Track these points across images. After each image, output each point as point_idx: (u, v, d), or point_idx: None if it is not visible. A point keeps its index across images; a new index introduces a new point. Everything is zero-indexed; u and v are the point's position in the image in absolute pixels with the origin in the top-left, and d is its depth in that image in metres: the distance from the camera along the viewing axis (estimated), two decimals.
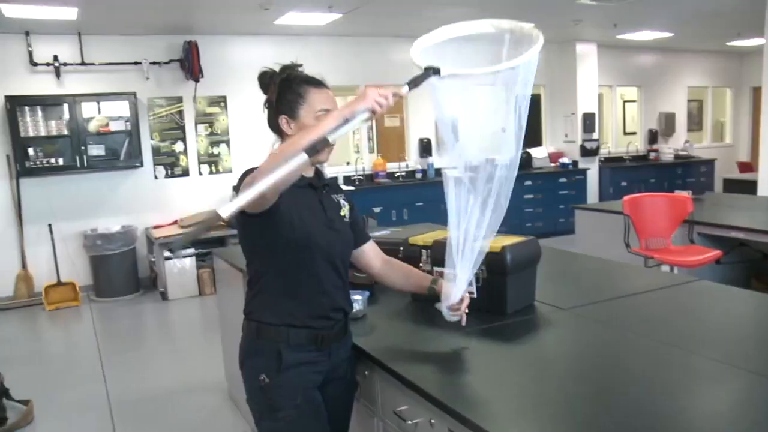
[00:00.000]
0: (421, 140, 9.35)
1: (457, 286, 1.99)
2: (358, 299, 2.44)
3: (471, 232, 1.93)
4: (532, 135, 10.79)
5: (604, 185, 10.45)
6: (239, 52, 7.99)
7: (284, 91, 1.97)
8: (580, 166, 10.17)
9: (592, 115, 10.18)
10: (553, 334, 2.30)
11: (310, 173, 2.05)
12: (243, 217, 1.86)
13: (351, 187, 8.47)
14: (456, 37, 1.96)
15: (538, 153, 10.09)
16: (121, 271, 7.31)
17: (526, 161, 9.88)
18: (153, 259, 7.46)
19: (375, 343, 2.17)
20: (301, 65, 2.03)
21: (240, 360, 2.03)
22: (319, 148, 1.55)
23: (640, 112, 11.60)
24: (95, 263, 7.27)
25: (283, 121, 1.98)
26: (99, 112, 7.29)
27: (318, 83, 2.01)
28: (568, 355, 2.11)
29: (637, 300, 2.62)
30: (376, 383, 2.10)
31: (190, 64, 7.58)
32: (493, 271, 2.38)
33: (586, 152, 10.18)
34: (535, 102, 10.67)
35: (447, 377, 1.93)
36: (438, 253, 2.53)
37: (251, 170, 1.79)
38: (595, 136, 10.29)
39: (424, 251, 2.62)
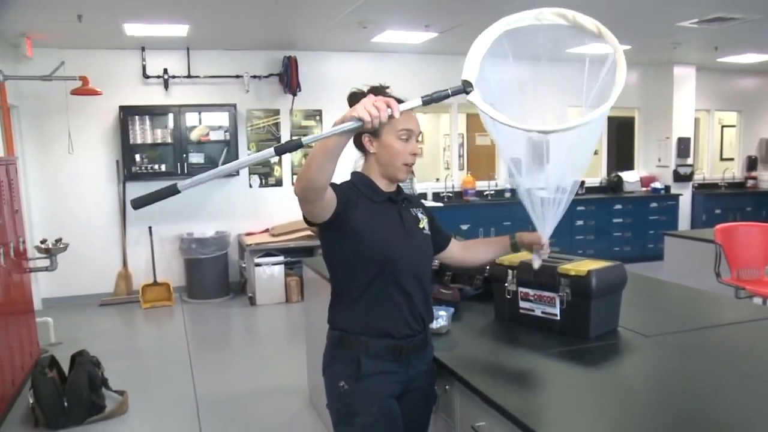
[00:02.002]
0: (511, 159, 9.30)
1: (546, 230, 2.17)
2: (442, 315, 2.51)
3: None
4: (625, 158, 10.57)
5: (696, 212, 10.11)
6: (336, 68, 8.22)
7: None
8: (673, 191, 9.88)
9: (688, 139, 9.88)
10: (635, 361, 2.30)
11: (391, 188, 2.15)
12: (321, 229, 2.00)
13: (439, 204, 8.56)
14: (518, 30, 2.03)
15: (629, 177, 9.88)
16: (213, 274, 7.64)
17: (616, 184, 9.70)
18: (243, 265, 7.75)
19: (457, 358, 2.24)
20: (388, 87, 2.11)
21: (323, 367, 2.14)
22: (289, 149, 1.60)
23: (739, 137, 11.15)
24: (189, 266, 7.63)
25: (365, 139, 2.08)
26: (200, 122, 7.69)
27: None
28: (648, 383, 2.11)
29: (725, 331, 2.58)
30: (456, 397, 2.16)
31: (288, 78, 7.87)
32: (578, 294, 2.40)
33: (679, 177, 9.89)
34: (628, 125, 10.46)
35: (525, 396, 1.97)
36: (524, 274, 2.58)
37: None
38: (690, 161, 9.98)
39: (510, 271, 2.66)
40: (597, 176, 10.02)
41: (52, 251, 5.59)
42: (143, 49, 7.47)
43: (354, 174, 2.16)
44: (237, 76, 7.86)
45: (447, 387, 2.21)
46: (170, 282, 7.60)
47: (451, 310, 2.60)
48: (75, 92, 6.32)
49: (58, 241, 5.66)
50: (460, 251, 2.45)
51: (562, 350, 2.30)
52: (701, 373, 2.12)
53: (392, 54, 8.36)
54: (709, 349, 2.36)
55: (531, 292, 2.55)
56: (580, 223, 8.95)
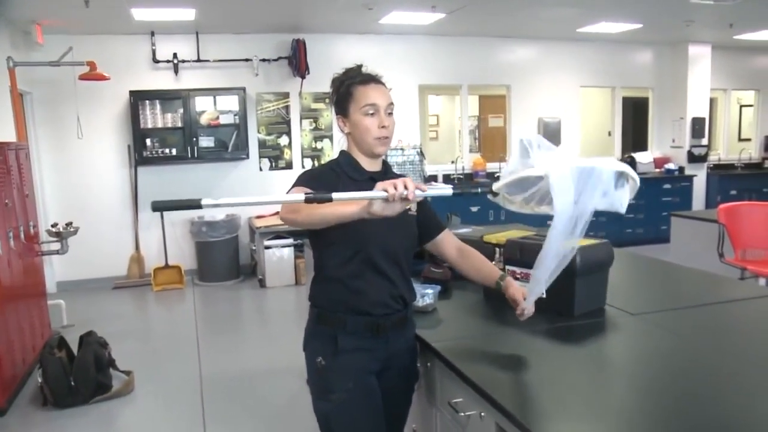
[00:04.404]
0: (521, 141, 9.24)
1: (533, 292, 2.04)
2: (428, 293, 2.53)
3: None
4: (638, 139, 10.47)
5: (711, 193, 9.99)
6: (345, 51, 8.21)
7: (336, 91, 2.11)
8: (687, 172, 9.78)
9: (702, 119, 9.75)
10: (620, 340, 2.30)
11: (375, 167, 2.15)
12: None
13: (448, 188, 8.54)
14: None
15: (642, 158, 9.78)
16: (224, 257, 7.71)
17: (630, 165, 9.55)
18: (254, 248, 7.82)
19: (439, 336, 2.26)
20: (362, 66, 2.14)
21: (303, 343, 2.18)
22: (318, 200, 1.65)
23: (757, 117, 10.99)
24: (200, 249, 7.71)
25: (339, 121, 2.12)
26: (212, 106, 7.73)
27: (365, 80, 2.08)
28: (631, 362, 2.10)
29: (718, 310, 2.56)
30: (436, 374, 2.18)
31: (297, 62, 7.88)
32: (563, 272, 2.40)
33: (693, 158, 9.78)
34: (642, 105, 10.35)
35: (505, 374, 1.98)
36: (510, 252, 2.59)
37: (306, 173, 2.08)
38: (704, 141, 9.86)
39: (497, 249, 2.68)
40: (610, 157, 9.92)
41: (62, 235, 5.67)
42: (153, 33, 7.52)
43: (340, 153, 2.18)
44: (246, 60, 7.88)
45: (429, 364, 2.23)
46: (181, 265, 7.70)
47: (438, 288, 2.61)
48: (83, 77, 6.38)
49: (69, 224, 5.74)
50: (455, 253, 2.34)
51: (547, 327, 2.31)
52: (688, 352, 2.11)
53: (401, 36, 8.34)
54: (698, 328, 2.35)
55: (518, 270, 2.55)
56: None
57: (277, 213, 7.91)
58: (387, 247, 2.07)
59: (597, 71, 9.57)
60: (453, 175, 9.08)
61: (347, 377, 2.04)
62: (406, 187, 1.62)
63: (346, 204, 1.70)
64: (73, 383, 4.18)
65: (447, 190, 1.78)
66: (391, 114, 2.10)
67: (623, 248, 8.37)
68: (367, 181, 2.08)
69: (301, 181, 2.03)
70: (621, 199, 1.85)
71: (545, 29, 8.34)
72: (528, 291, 2.08)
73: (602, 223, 8.85)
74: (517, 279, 2.56)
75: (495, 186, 1.85)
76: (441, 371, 2.13)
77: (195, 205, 1.60)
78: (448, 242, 2.34)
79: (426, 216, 2.27)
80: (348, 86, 2.09)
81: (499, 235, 2.72)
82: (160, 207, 1.63)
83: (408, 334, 2.21)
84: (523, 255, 2.50)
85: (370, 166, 2.14)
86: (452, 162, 9.35)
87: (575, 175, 1.74)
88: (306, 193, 1.66)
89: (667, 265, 3.60)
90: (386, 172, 2.18)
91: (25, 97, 7.15)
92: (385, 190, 1.62)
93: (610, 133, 10.15)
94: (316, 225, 1.85)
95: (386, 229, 2.04)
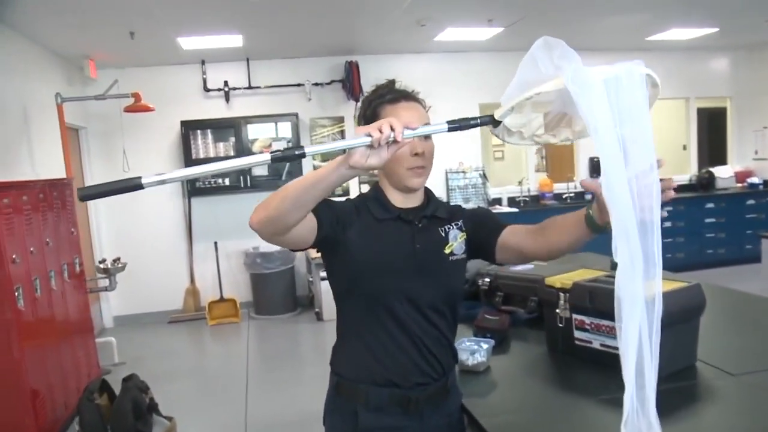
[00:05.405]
0: (591, 159, 8.76)
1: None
2: (479, 349, 2.15)
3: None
4: (715, 152, 9.77)
5: None
6: (400, 71, 7.86)
7: (363, 115, 1.78)
8: None
9: None
10: (719, 411, 1.87)
11: (412, 203, 1.78)
12: (321, 252, 1.71)
13: (514, 209, 8.12)
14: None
15: (721, 172, 9.08)
16: (279, 289, 7.47)
17: (708, 181, 8.95)
18: (310, 279, 7.55)
19: (491, 408, 1.88)
20: (394, 81, 1.81)
21: (323, 416, 1.83)
22: (288, 158, 1.33)
23: None
24: (255, 281, 7.49)
25: None
26: (264, 134, 7.55)
27: (395, 98, 1.74)
28: None
29: None
30: None
31: (350, 84, 7.64)
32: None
33: None
34: (718, 116, 9.67)
35: None
36: (577, 299, 2.19)
37: (326, 200, 1.66)
38: None
39: (561, 295, 2.27)
40: (686, 173, 9.28)
41: (110, 271, 5.55)
42: (203, 62, 7.41)
43: (371, 187, 1.84)
44: (298, 85, 7.69)
45: None
46: (237, 298, 7.49)
47: (492, 342, 2.22)
48: (128, 109, 6.28)
49: (117, 260, 5.61)
50: (531, 242, 1.67)
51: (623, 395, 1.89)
52: None
53: (459, 54, 8.01)
54: None
55: (587, 320, 2.15)
56: (668, 224, 8.26)
57: None
58: (415, 297, 1.68)
59: (669, 82, 8.96)
60: (518, 197, 8.64)
61: None
62: (392, 128, 1.29)
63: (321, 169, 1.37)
64: None
65: (442, 126, 1.37)
66: (429, 138, 1.71)
67: (706, 272, 7.83)
68: (395, 219, 1.73)
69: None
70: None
71: (611, 40, 7.85)
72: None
73: (681, 243, 8.24)
74: (586, 330, 2.16)
75: (498, 113, 1.42)
76: None
77: (133, 185, 1.26)
78: (518, 234, 1.71)
79: (479, 226, 1.80)
80: (375, 107, 1.75)
81: (563, 277, 2.32)
82: (88, 195, 1.28)
83: (450, 407, 1.80)
84: (593, 302, 2.10)
85: (405, 201, 1.77)
86: (519, 183, 8.90)
87: (602, 87, 1.23)
88: (273, 156, 1.30)
89: None
90: (425, 208, 1.78)
91: (80, 132, 7.16)
92: (368, 134, 1.30)
93: (684, 147, 9.50)
94: (295, 212, 1.42)
95: (414, 272, 1.67)
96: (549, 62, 1.31)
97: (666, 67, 8.83)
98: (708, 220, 8.53)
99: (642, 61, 1.25)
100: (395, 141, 1.30)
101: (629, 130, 1.22)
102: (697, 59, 9.00)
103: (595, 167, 8.60)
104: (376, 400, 1.69)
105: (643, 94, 1.24)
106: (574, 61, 1.28)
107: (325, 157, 7.05)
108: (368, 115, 1.76)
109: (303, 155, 1.31)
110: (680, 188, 8.92)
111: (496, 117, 1.42)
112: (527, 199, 8.63)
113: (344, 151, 1.37)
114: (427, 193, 1.84)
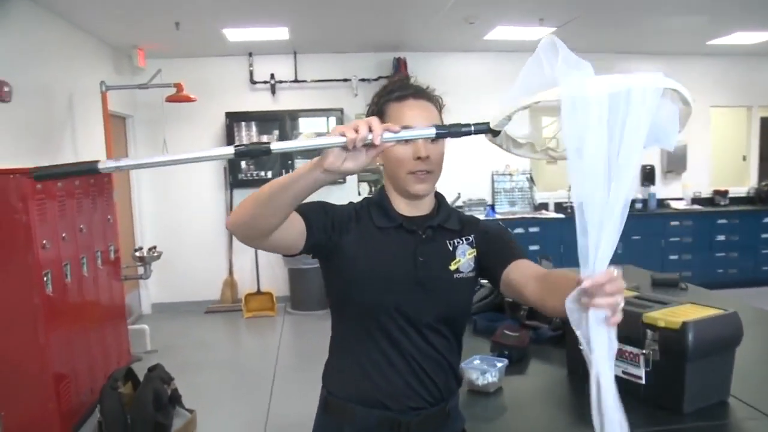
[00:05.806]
0: (643, 167, 8.42)
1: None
2: (491, 368, 2.01)
3: None
4: None
5: None
6: (449, 69, 7.75)
7: (371, 109, 1.65)
8: None
9: None
10: None
11: (419, 211, 1.63)
12: (319, 264, 1.60)
13: (560, 215, 7.87)
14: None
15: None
16: (316, 285, 7.38)
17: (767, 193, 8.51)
18: None
19: None
20: (409, 78, 1.69)
21: None
22: (252, 154, 1.20)
23: None
24: (293, 276, 7.44)
25: None
26: (308, 128, 7.50)
27: (403, 95, 1.60)
28: None
29: None
30: None
31: None
32: (669, 353, 1.81)
33: None
34: None
35: None
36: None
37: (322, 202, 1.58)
38: None
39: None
40: (744, 185, 8.83)
41: (145, 259, 5.56)
42: (250, 54, 7.39)
43: (377, 190, 1.71)
44: (345, 80, 7.61)
45: None
46: (273, 291, 7.46)
47: (505, 362, 2.07)
48: (169, 99, 6.28)
49: (153, 248, 5.62)
50: (531, 283, 1.44)
51: (645, 431, 1.72)
52: None
53: (509, 53, 7.75)
54: None
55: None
56: (721, 238, 7.88)
57: None
58: (412, 314, 1.54)
59: (730, 89, 8.55)
60: (566, 203, 8.36)
61: None
62: (370, 129, 1.15)
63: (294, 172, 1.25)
64: (129, 421, 3.93)
65: (429, 130, 1.24)
66: (437, 140, 1.55)
67: (761, 290, 7.42)
68: (397, 228, 1.60)
69: (312, 204, 1.56)
70: (668, 130, 1.19)
71: (670, 43, 7.53)
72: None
73: (734, 259, 7.85)
74: None
75: (494, 120, 1.27)
76: None
77: (88, 169, 1.15)
78: (525, 274, 1.49)
79: (491, 249, 1.62)
80: (381, 105, 1.62)
81: None
82: (43, 175, 1.18)
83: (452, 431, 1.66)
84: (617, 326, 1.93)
85: (411, 209, 1.63)
86: (568, 189, 8.61)
87: (604, 103, 1.08)
88: (237, 150, 1.18)
89: None
90: (432, 218, 1.63)
91: (127, 120, 7.23)
92: (343, 134, 1.15)
93: (744, 158, 9.05)
94: (269, 216, 1.32)
95: (412, 287, 1.53)
96: (554, 67, 1.15)
97: (727, 73, 8.44)
98: (765, 236, 8.09)
99: (663, 72, 1.09)
100: (373, 144, 1.16)
101: (623, 157, 1.08)
102: (761, 65, 8.55)
103: (646, 175, 8.27)
104: (363, 422, 1.56)
105: (648, 115, 1.07)
106: (582, 69, 1.12)
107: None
108: (374, 113, 1.62)
109: (269, 151, 1.18)
110: (736, 201, 8.51)
111: (492, 126, 1.28)
112: (572, 205, 8.33)
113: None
114: (439, 200, 1.70)
